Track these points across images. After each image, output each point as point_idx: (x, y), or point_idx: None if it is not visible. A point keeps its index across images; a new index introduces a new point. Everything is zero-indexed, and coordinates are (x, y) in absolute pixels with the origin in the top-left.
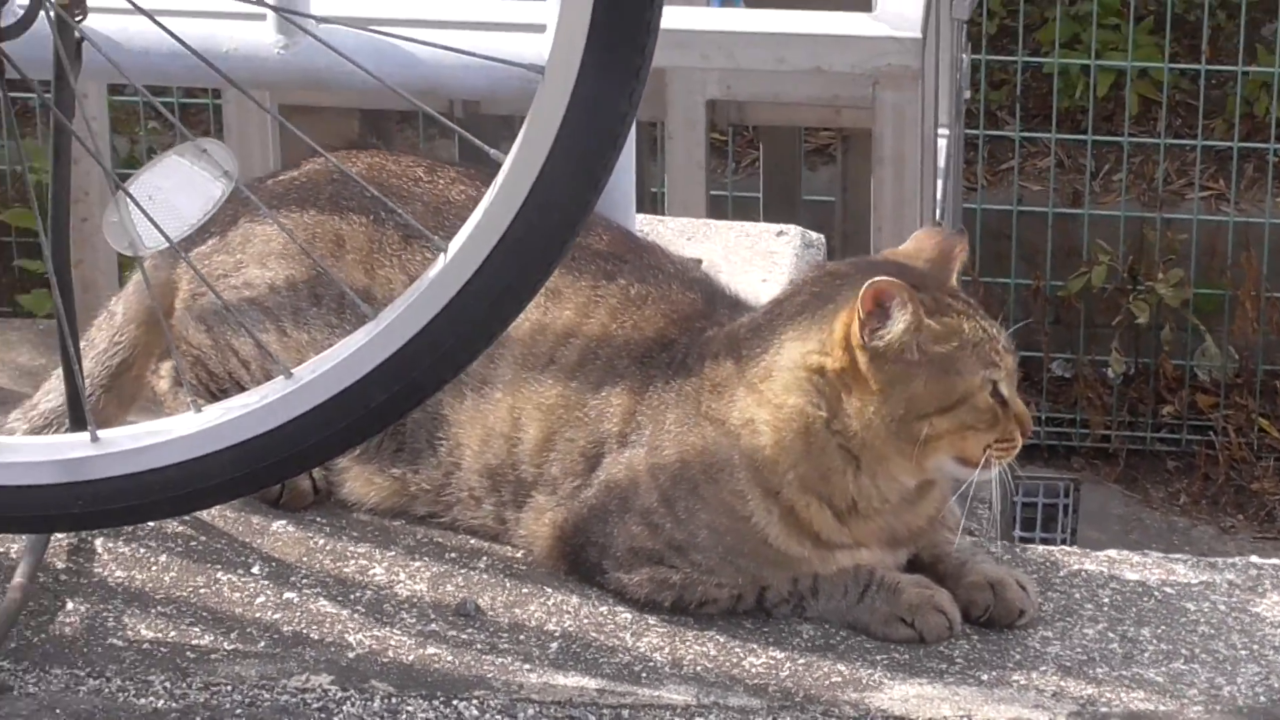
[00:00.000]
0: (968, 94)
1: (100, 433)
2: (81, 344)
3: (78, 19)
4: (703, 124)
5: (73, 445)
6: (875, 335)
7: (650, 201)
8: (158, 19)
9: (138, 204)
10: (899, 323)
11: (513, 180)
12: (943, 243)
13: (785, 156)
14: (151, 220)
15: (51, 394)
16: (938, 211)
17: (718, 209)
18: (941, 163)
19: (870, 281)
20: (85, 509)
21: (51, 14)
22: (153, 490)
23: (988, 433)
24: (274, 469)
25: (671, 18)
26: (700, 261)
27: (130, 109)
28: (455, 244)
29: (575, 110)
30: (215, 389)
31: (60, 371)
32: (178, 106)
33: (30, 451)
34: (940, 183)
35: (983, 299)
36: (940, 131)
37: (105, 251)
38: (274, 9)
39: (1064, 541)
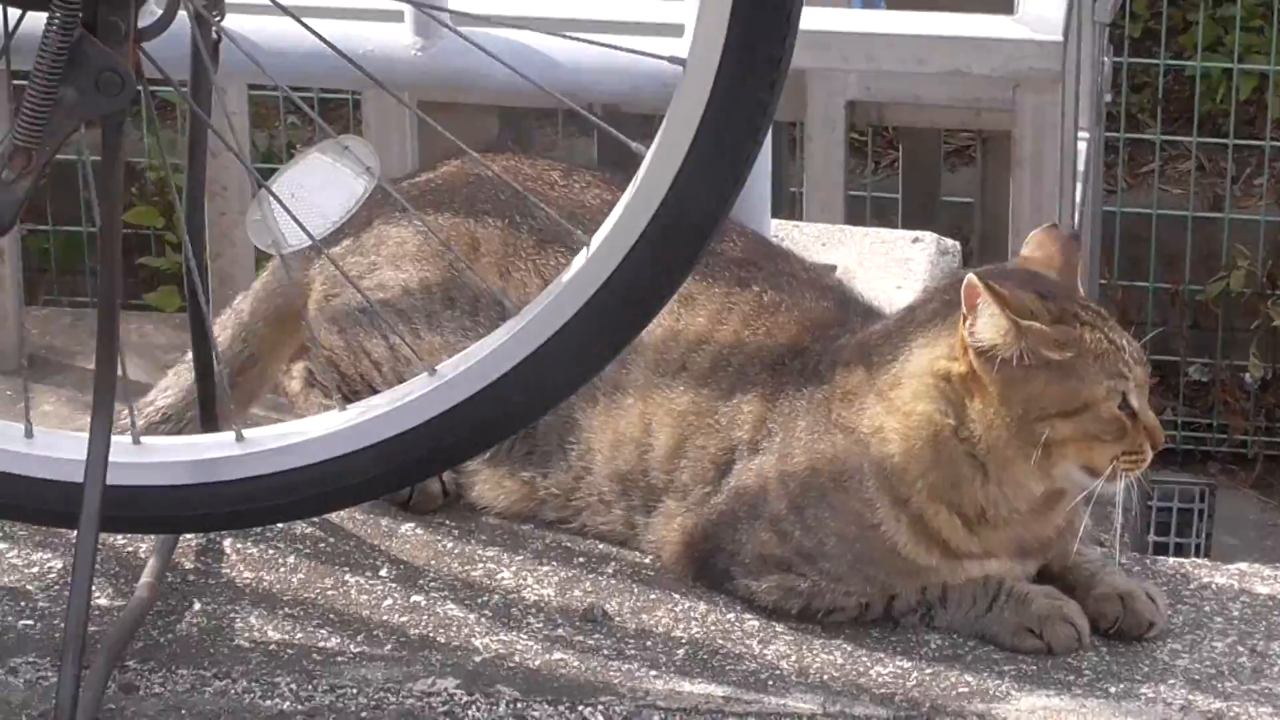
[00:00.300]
0: (1109, 97)
1: (245, 432)
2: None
3: (216, 19)
4: (842, 125)
5: (218, 445)
6: (973, 334)
7: (789, 202)
8: (301, 18)
9: (280, 202)
10: (984, 318)
11: (654, 174)
12: (1064, 247)
13: (925, 158)
14: (294, 218)
15: (168, 391)
16: (1076, 215)
17: (856, 210)
18: (1081, 166)
19: (966, 278)
20: (231, 508)
21: (190, 14)
22: (297, 489)
23: (1115, 444)
24: (416, 467)
25: (812, 19)
26: (834, 268)
27: (269, 104)
28: (597, 239)
29: (716, 102)
30: (347, 391)
31: (177, 369)
32: (317, 102)
33: (177, 452)
34: (1079, 186)
35: (1121, 302)
36: (1080, 134)
37: (244, 246)
38: (414, 3)
39: (1198, 547)
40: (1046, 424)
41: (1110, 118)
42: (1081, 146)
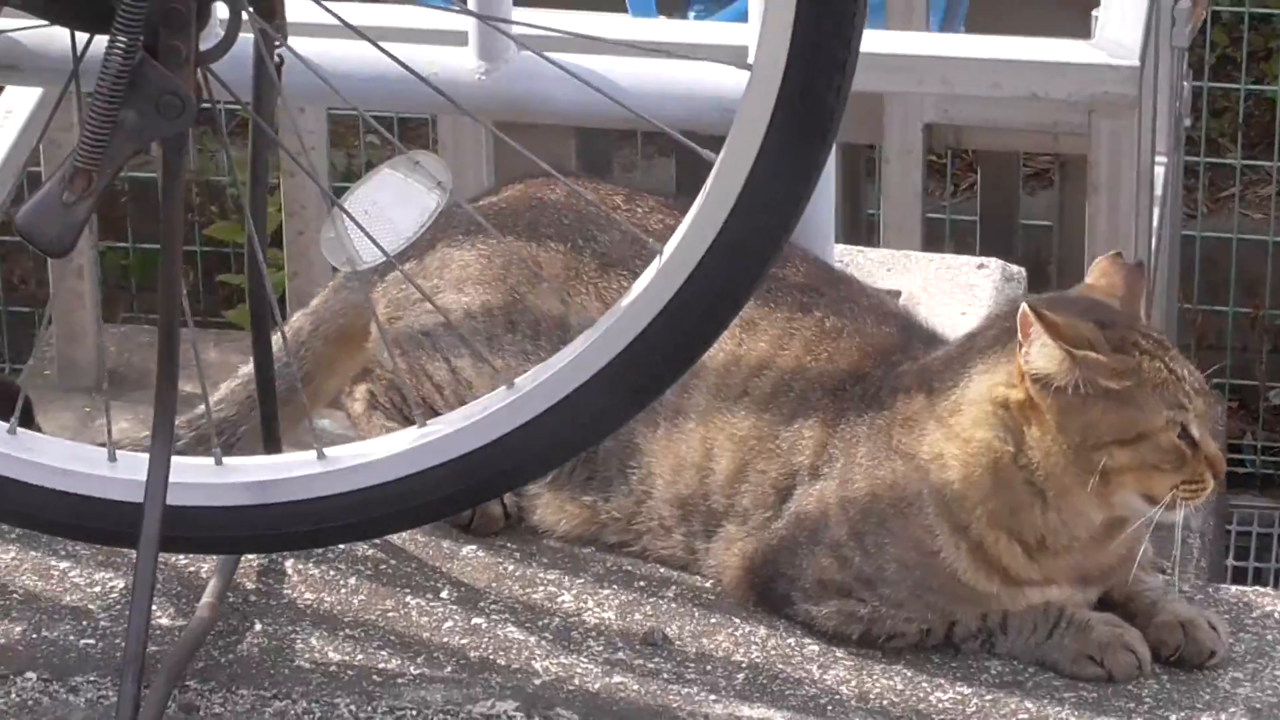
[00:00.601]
0: (1188, 122)
1: (327, 450)
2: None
3: (278, 41)
4: (919, 148)
5: (300, 464)
6: (1028, 362)
7: (866, 225)
8: (371, 39)
9: (354, 219)
10: (1037, 347)
11: (724, 179)
12: (1128, 276)
13: (1003, 181)
14: (368, 235)
15: (223, 404)
16: (1153, 240)
17: (935, 233)
18: (1159, 191)
19: (1020, 306)
20: (312, 527)
21: (254, 35)
22: (376, 506)
23: (1174, 473)
24: (495, 481)
25: (887, 41)
26: (898, 294)
27: (348, 124)
28: (669, 247)
29: (783, 106)
30: (408, 414)
31: (232, 384)
32: (396, 123)
33: (259, 471)
34: (1156, 211)
35: (1200, 326)
36: (1158, 159)
37: (321, 266)
38: (477, 16)
39: (1278, 573)
40: (1104, 452)
41: (1190, 142)
42: (1159, 171)
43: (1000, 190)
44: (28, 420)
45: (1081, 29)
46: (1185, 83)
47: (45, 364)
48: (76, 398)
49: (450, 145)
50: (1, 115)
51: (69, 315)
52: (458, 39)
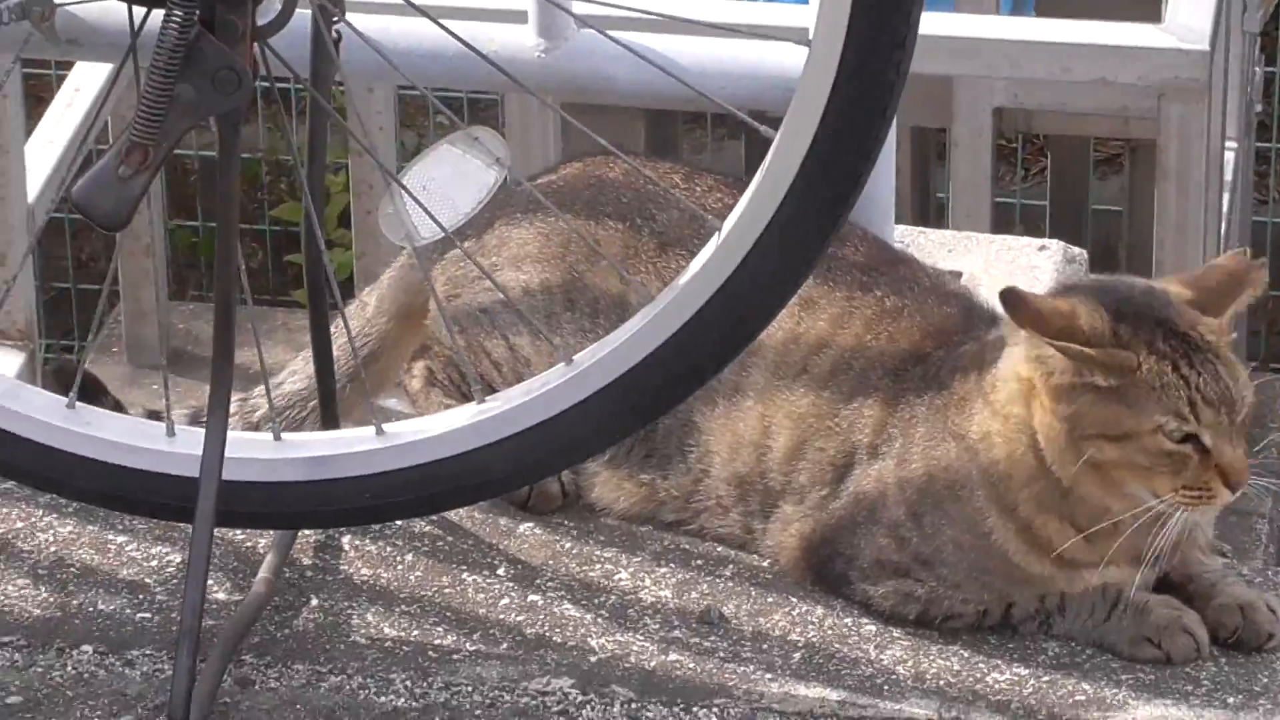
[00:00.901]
0: (1259, 107)
1: (385, 426)
2: (330, 332)
3: (335, 20)
4: (989, 132)
5: (358, 440)
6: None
7: (935, 209)
8: (430, 15)
9: (412, 195)
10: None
11: (783, 156)
12: (1228, 273)
13: (1073, 166)
14: (426, 210)
15: (295, 376)
16: (1222, 225)
17: (1004, 217)
18: (1229, 176)
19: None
20: (369, 503)
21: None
22: (434, 482)
23: (1174, 477)
24: (554, 457)
25: (957, 25)
26: (959, 275)
27: (417, 103)
28: (728, 224)
29: (842, 81)
30: (466, 391)
31: (305, 354)
32: (466, 103)
33: (318, 446)
34: (1226, 196)
35: (1271, 312)
36: (1228, 144)
37: (388, 245)
38: None
39: None
40: (1092, 444)
41: (1262, 127)
42: (1230, 156)
43: (1070, 175)
44: (97, 395)
45: (1152, 13)
46: (1257, 68)
47: (113, 341)
48: (145, 375)
49: (517, 127)
50: (70, 93)
51: (137, 293)
52: (518, 17)
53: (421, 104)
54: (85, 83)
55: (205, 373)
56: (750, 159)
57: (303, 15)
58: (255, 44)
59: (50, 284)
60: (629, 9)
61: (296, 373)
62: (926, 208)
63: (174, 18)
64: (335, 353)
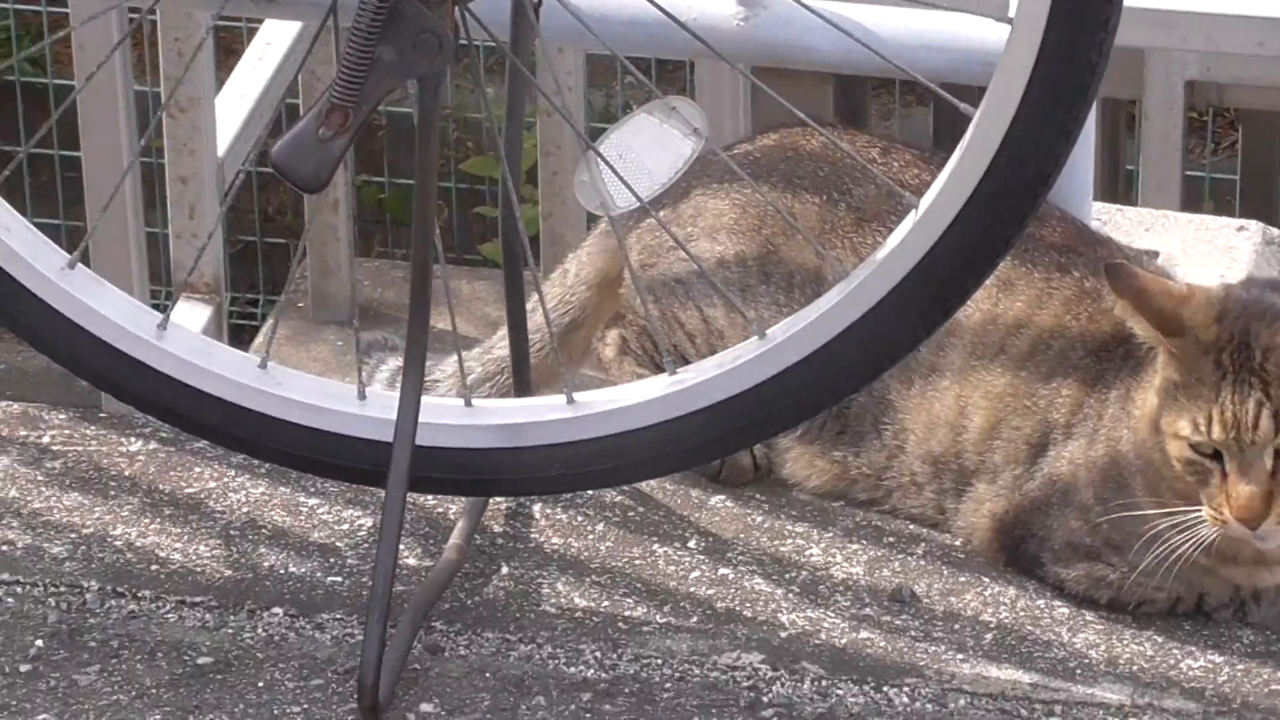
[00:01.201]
0: None
1: (576, 395)
2: (533, 301)
3: None
4: (1180, 105)
5: (550, 408)
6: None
7: (1124, 181)
8: None
9: (608, 163)
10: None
11: (982, 134)
12: None
13: (1265, 141)
14: (622, 179)
15: (507, 340)
16: None
17: (1193, 191)
18: None
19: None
20: (560, 472)
21: None
22: (628, 453)
23: (1200, 489)
24: (746, 431)
25: None
26: (1156, 254)
27: (606, 64)
28: (926, 200)
29: (1044, 60)
30: (658, 361)
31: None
32: (654, 65)
33: (509, 414)
34: None
35: None
36: None
37: (575, 206)
38: None
39: None
40: (1160, 433)
41: None
42: None
43: (1262, 150)
44: None
45: None
46: None
47: (299, 297)
48: (329, 331)
49: (707, 90)
50: (262, 47)
51: (323, 249)
52: None
53: (609, 64)
54: (277, 36)
55: (389, 330)
56: (939, 127)
57: None
58: (456, 7)
59: (236, 236)
60: None
61: (505, 339)
62: (1115, 179)
63: None
64: (538, 320)
